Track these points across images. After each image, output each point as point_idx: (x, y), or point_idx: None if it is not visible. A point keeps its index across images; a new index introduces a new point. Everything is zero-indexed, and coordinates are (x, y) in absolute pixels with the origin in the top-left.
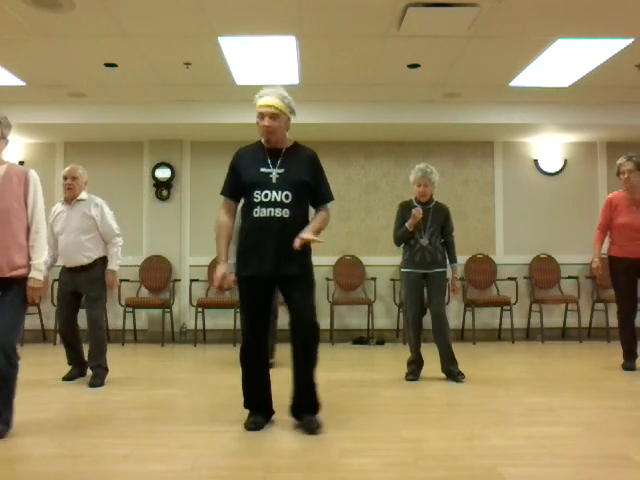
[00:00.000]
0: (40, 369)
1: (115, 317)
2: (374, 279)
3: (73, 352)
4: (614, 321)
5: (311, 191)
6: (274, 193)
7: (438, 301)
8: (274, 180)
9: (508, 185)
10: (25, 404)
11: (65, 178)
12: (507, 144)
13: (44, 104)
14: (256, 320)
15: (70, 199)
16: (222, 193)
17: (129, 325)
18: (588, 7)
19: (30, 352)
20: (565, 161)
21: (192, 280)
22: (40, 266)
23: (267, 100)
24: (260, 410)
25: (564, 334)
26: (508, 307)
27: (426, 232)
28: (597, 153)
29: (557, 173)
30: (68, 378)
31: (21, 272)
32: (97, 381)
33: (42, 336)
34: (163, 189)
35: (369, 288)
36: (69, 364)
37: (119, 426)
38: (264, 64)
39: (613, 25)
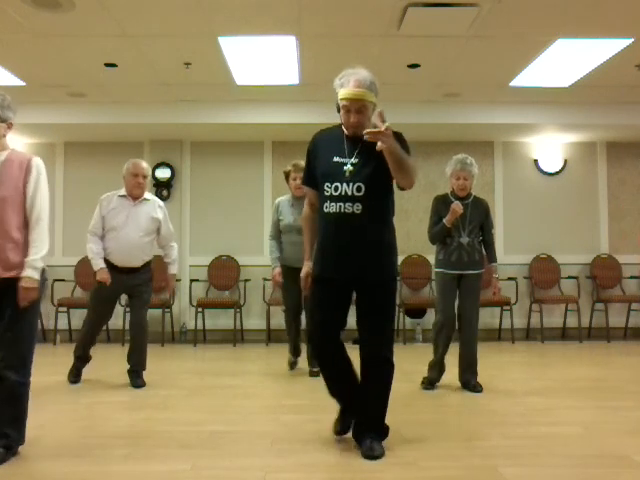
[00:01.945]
0: (40, 369)
1: (115, 317)
2: None
3: (87, 347)
4: (614, 321)
5: (390, 177)
6: (344, 186)
7: (471, 307)
8: (347, 172)
9: (508, 185)
10: None
11: (136, 175)
12: (507, 144)
13: (44, 104)
14: (326, 324)
15: (137, 197)
16: (302, 183)
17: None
18: (588, 7)
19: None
20: (565, 161)
21: (192, 280)
22: (37, 263)
23: (354, 91)
24: (345, 411)
25: (564, 334)
26: (508, 307)
27: (465, 230)
28: (597, 153)
29: (557, 173)
30: (73, 381)
31: (19, 272)
32: (140, 382)
33: (42, 336)
34: (163, 189)
35: None
36: (78, 359)
37: (119, 426)
38: (264, 64)
39: (613, 25)
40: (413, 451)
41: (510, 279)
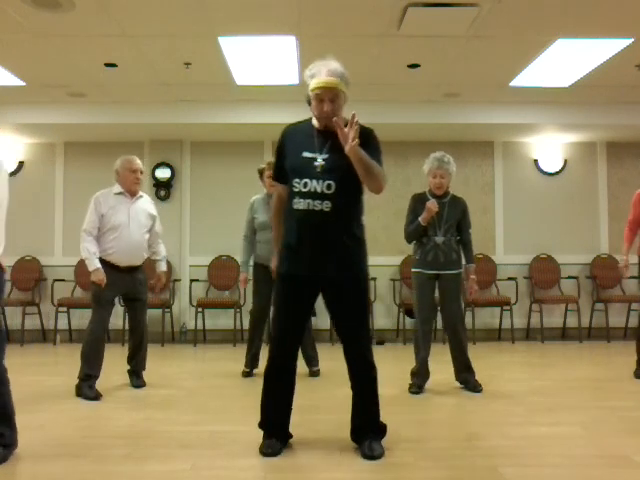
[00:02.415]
0: (40, 369)
1: (115, 317)
2: (374, 279)
3: (99, 363)
4: (614, 321)
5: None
6: (314, 183)
7: (454, 309)
8: (317, 167)
9: (508, 185)
10: (25, 404)
11: (134, 171)
12: (507, 144)
13: (44, 104)
14: (288, 326)
15: (135, 193)
16: (272, 178)
17: None
18: (588, 7)
19: (30, 352)
20: (565, 161)
21: (192, 280)
22: None
23: (326, 80)
24: (277, 434)
25: (564, 334)
26: (508, 307)
27: (441, 229)
28: (597, 153)
29: (557, 173)
30: (96, 397)
31: None
32: (140, 382)
33: (42, 336)
34: (163, 189)
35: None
36: (91, 378)
37: (119, 426)
38: (264, 64)
39: (613, 25)
40: (413, 451)
41: (510, 279)
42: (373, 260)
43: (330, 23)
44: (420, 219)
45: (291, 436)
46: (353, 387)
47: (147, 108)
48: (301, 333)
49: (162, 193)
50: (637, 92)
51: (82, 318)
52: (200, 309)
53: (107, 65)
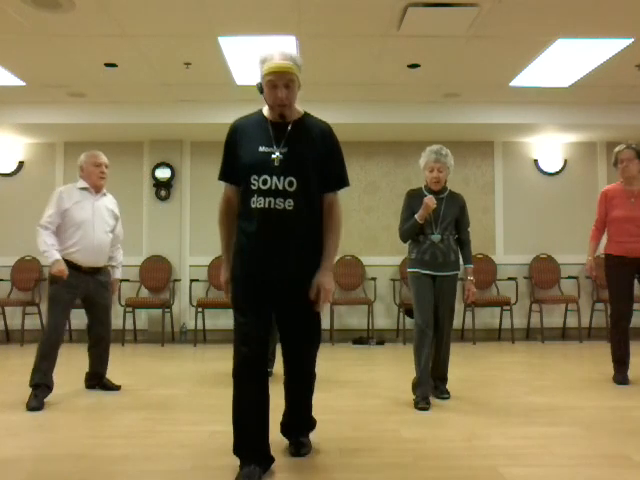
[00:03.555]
0: None
1: (115, 317)
2: (374, 279)
3: (51, 373)
4: None
5: (320, 174)
6: (275, 179)
7: (445, 312)
8: (276, 162)
9: (508, 185)
10: (24, 404)
11: (99, 165)
12: (507, 144)
13: (44, 104)
14: (251, 331)
15: (100, 189)
16: (219, 178)
17: (129, 325)
18: (588, 7)
19: (30, 352)
20: (565, 161)
21: (192, 280)
22: None
23: (280, 64)
24: (255, 457)
25: (564, 334)
26: (508, 307)
27: (438, 227)
28: (597, 153)
29: (557, 173)
30: (38, 407)
31: None
32: (114, 385)
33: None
34: (163, 189)
35: (369, 288)
36: (39, 387)
37: (119, 426)
38: None
39: (613, 25)
40: (413, 451)
41: (510, 279)
42: (373, 260)
43: (330, 23)
44: (416, 216)
45: (273, 460)
46: (288, 387)
47: (147, 108)
48: (266, 331)
49: (162, 193)
50: (637, 92)
51: (82, 318)
52: (200, 309)
53: (107, 65)
